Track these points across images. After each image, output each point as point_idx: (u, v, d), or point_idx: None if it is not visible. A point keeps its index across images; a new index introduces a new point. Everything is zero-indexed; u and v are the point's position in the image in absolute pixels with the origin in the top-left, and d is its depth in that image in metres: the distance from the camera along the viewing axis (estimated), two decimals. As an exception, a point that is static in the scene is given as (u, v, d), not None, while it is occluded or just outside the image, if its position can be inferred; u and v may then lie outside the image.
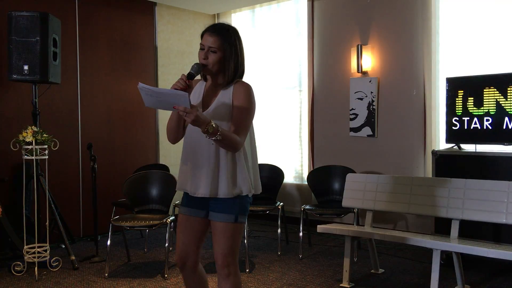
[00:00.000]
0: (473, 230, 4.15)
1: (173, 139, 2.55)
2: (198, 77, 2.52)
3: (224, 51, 2.39)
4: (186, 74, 2.34)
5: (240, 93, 2.42)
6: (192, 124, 2.22)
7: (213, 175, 2.39)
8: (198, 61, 2.43)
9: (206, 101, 2.48)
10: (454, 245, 3.50)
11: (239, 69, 2.47)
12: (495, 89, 4.31)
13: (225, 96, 2.43)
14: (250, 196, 2.49)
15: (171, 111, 2.45)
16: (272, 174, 5.58)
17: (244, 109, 2.41)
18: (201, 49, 2.42)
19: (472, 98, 4.43)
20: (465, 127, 4.47)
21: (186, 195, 2.55)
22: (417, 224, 5.24)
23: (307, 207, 5.06)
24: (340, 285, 3.98)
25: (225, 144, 2.32)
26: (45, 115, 4.95)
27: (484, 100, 4.37)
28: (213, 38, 2.39)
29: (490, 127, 4.34)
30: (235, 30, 2.48)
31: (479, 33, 4.89)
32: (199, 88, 2.53)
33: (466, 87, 4.48)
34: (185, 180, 2.50)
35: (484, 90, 4.37)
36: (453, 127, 4.55)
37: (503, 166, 4.18)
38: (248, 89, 2.45)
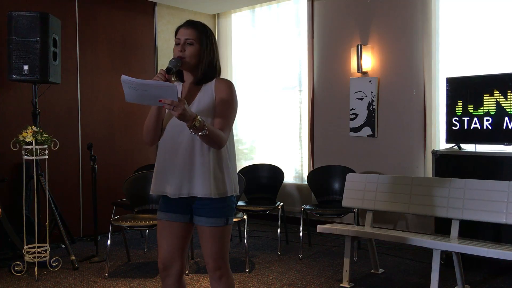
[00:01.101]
0: (473, 230, 4.15)
1: (151, 140, 2.40)
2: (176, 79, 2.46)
3: (201, 43, 2.35)
4: (164, 69, 2.25)
5: (222, 88, 2.36)
6: (179, 118, 2.11)
7: (198, 174, 2.28)
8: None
9: (185, 100, 2.36)
10: (454, 245, 3.50)
11: (217, 64, 2.41)
12: (495, 89, 4.31)
13: (207, 92, 2.36)
14: (234, 195, 2.42)
15: (149, 111, 2.35)
16: (272, 174, 5.58)
17: (227, 105, 2.34)
18: (177, 44, 2.37)
19: (472, 98, 4.44)
20: (465, 127, 4.47)
21: (164, 199, 2.41)
22: (417, 224, 5.24)
23: (307, 207, 5.06)
24: (340, 285, 3.99)
25: (211, 139, 2.22)
26: (45, 115, 4.94)
27: (484, 100, 4.37)
28: (189, 31, 2.35)
29: (490, 127, 4.34)
30: (209, 28, 2.46)
31: (479, 33, 4.89)
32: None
33: (466, 87, 4.48)
34: (163, 182, 2.36)
35: (484, 90, 4.37)
36: (453, 127, 4.55)
37: (503, 166, 4.19)
38: (230, 85, 2.39)
